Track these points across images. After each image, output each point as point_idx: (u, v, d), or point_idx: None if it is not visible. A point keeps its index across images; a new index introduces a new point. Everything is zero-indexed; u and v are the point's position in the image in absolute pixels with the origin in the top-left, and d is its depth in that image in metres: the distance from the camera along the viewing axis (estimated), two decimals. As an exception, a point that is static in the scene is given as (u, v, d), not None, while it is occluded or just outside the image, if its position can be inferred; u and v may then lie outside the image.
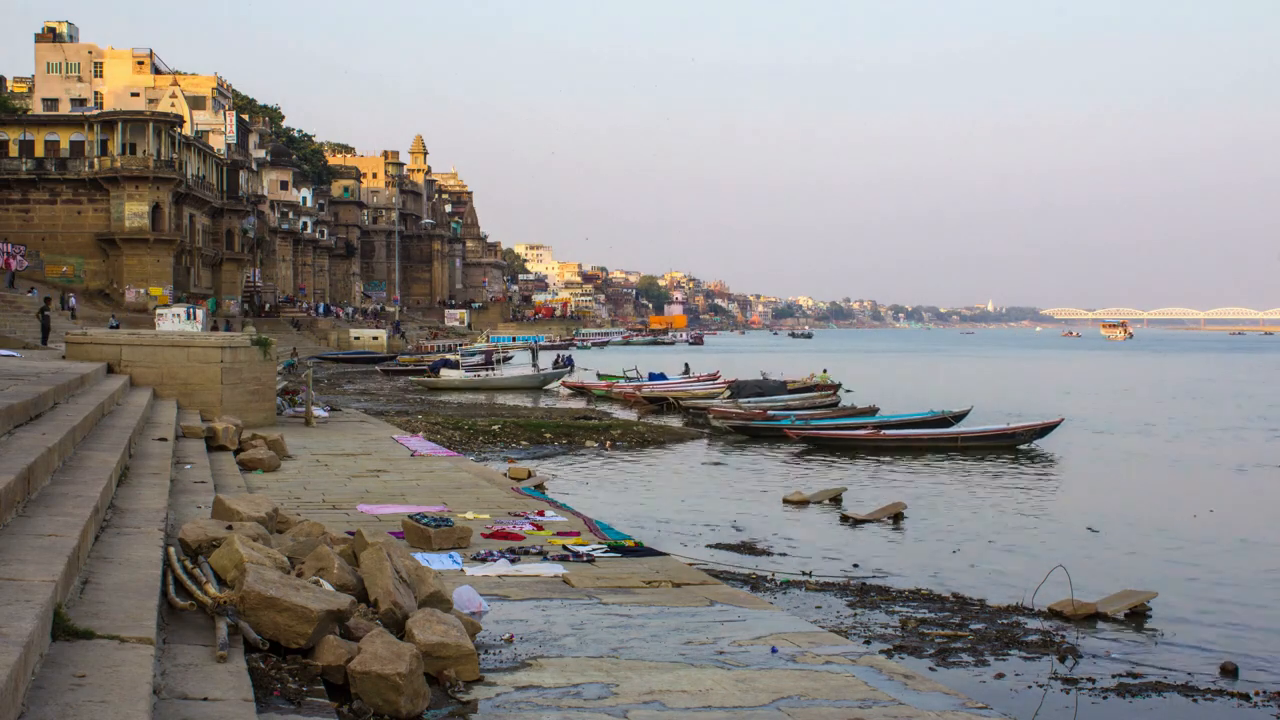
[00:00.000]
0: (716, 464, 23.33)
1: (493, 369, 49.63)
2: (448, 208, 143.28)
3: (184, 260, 63.68)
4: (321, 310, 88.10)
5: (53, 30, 77.18)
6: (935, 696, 6.01)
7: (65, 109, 71.49)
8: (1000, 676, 8.64)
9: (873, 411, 31.16)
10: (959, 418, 28.83)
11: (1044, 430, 26.65)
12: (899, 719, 5.61)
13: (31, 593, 4.22)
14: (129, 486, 8.50)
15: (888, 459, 23.84)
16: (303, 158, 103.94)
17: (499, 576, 8.53)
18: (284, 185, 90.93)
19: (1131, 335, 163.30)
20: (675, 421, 31.86)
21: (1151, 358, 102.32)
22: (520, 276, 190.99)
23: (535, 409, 34.82)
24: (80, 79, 75.85)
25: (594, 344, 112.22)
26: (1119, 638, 10.08)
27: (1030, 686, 8.46)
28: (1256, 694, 8.54)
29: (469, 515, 11.28)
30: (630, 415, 34.04)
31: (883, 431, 26.36)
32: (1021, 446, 25.98)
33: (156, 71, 78.17)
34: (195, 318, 46.84)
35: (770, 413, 30.93)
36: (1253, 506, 19.21)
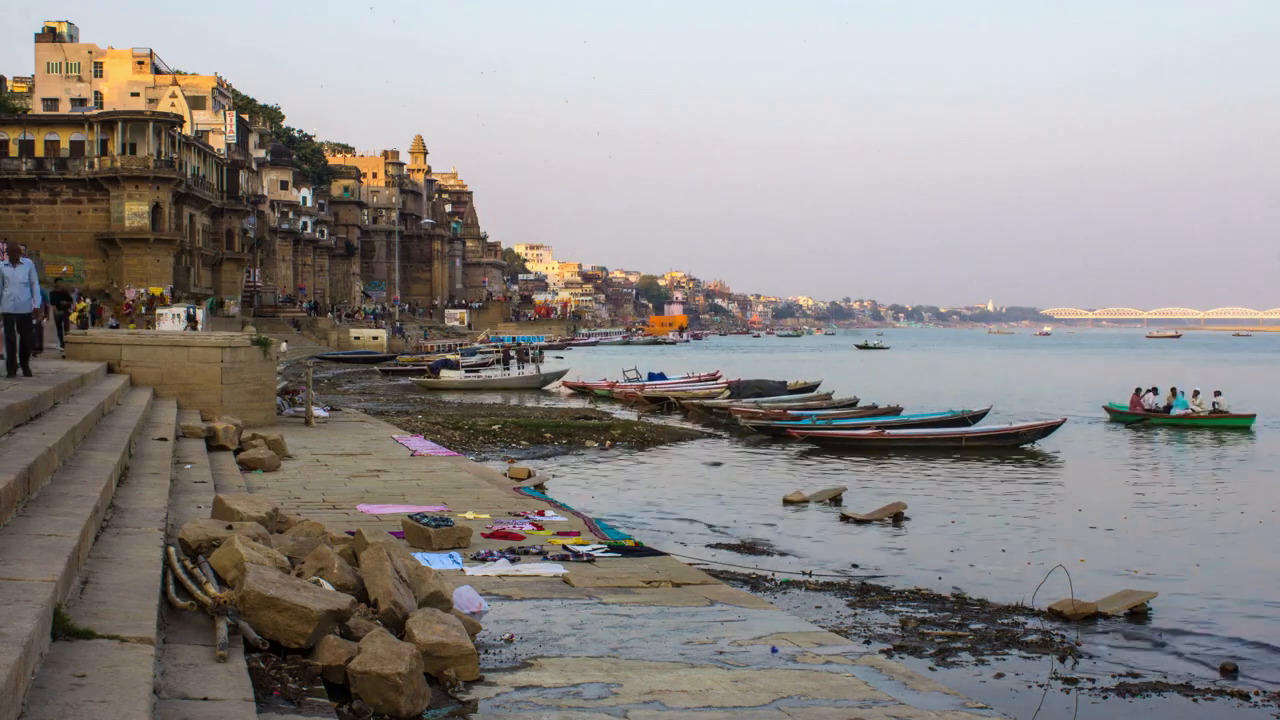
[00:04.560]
0: (716, 464, 23.32)
1: (499, 369, 49.73)
2: (448, 208, 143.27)
3: (184, 260, 63.68)
4: (311, 307, 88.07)
5: (53, 30, 77.18)
6: (935, 696, 6.01)
7: (65, 109, 71.48)
8: (1000, 676, 8.63)
9: (896, 411, 31.06)
10: (977, 418, 28.82)
11: (1047, 430, 26.69)
12: (899, 719, 5.60)
13: (31, 593, 4.22)
14: (129, 486, 8.50)
15: (892, 459, 23.85)
16: (303, 158, 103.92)
17: (499, 576, 8.53)
18: (284, 185, 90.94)
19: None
20: (675, 421, 31.84)
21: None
22: (520, 276, 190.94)
23: (535, 409, 34.81)
24: (80, 79, 75.85)
25: (587, 344, 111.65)
26: (1119, 638, 10.08)
27: (1030, 686, 8.45)
28: (1256, 694, 8.54)
29: (469, 515, 11.28)
30: (631, 415, 34.03)
31: (887, 432, 26.37)
32: (1025, 446, 26.00)
33: (156, 71, 78.18)
34: (195, 318, 46.82)
35: (791, 412, 30.96)
36: (1252, 505, 19.18)
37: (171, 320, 44.58)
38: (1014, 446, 25.82)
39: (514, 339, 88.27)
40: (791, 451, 25.36)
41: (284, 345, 46.36)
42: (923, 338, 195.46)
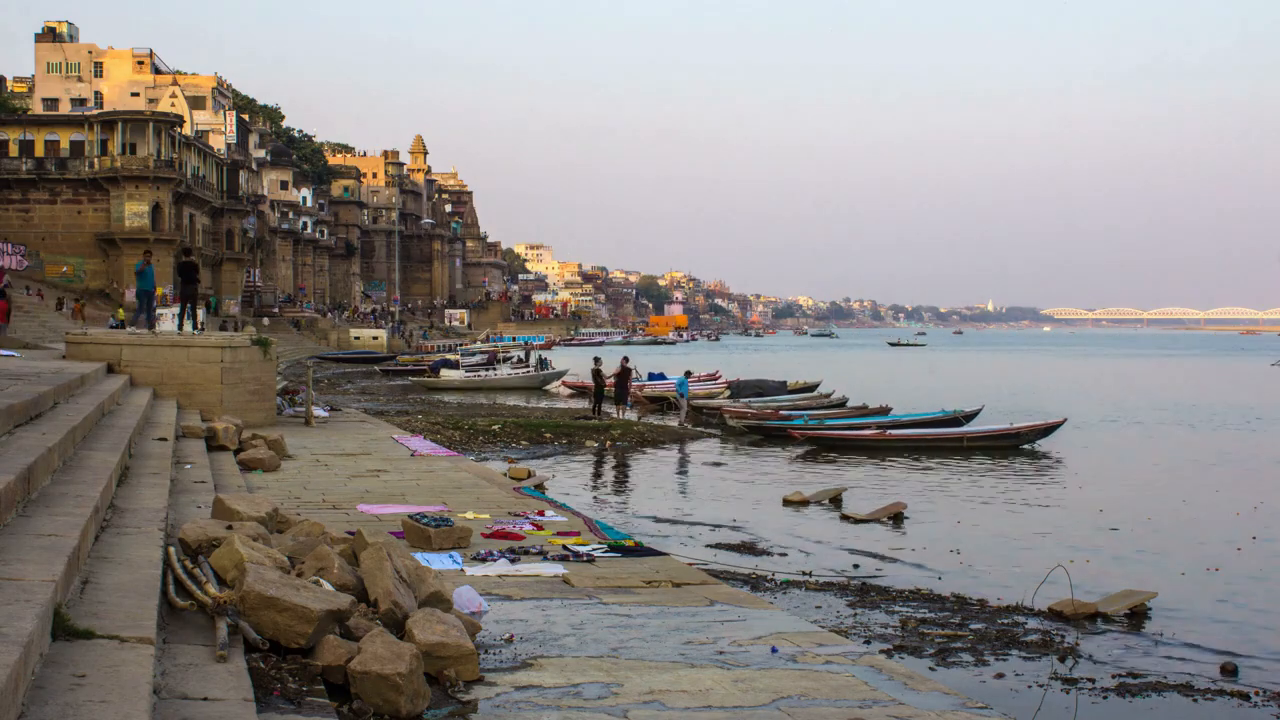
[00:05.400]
0: (716, 464, 23.32)
1: (494, 369, 49.71)
2: (448, 208, 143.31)
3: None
4: (312, 308, 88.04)
5: (53, 30, 77.20)
6: (935, 696, 6.01)
7: (65, 109, 71.51)
8: (1000, 676, 8.64)
9: (885, 411, 31.01)
10: (970, 417, 28.77)
11: (1047, 430, 26.59)
12: (899, 719, 5.60)
13: (31, 593, 4.21)
14: (129, 486, 8.49)
15: (891, 459, 23.82)
16: (303, 158, 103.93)
17: (499, 576, 8.52)
18: (284, 185, 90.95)
19: None
20: (675, 421, 31.80)
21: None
22: (520, 276, 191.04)
23: (535, 409, 34.81)
24: (80, 79, 75.87)
25: (592, 343, 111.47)
26: (1119, 638, 10.08)
27: (1030, 686, 8.45)
28: (1256, 694, 8.54)
29: (469, 515, 11.27)
30: (630, 415, 33.99)
31: (888, 432, 26.33)
32: (1025, 446, 25.94)
33: (156, 71, 78.20)
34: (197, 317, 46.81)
35: (783, 412, 30.91)
36: (1251, 504, 19.18)
37: (171, 320, 44.54)
38: (1014, 447, 25.77)
39: (514, 338, 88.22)
40: (791, 452, 25.34)
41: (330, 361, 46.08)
42: (975, 340, 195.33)
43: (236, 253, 72.70)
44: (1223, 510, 18.48)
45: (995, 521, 16.68)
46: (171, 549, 6.16)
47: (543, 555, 9.44)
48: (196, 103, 76.15)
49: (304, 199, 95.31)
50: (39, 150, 59.11)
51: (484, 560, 9.11)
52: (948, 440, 25.89)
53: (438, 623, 5.89)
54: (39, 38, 76.83)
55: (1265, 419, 36.59)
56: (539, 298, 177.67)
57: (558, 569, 8.83)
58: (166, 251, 59.39)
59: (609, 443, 25.02)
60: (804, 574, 12.06)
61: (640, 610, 7.58)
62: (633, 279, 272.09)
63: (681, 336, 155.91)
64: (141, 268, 23.76)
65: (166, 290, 57.72)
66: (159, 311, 46.15)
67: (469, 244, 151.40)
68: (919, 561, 13.34)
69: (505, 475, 16.87)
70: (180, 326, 23.70)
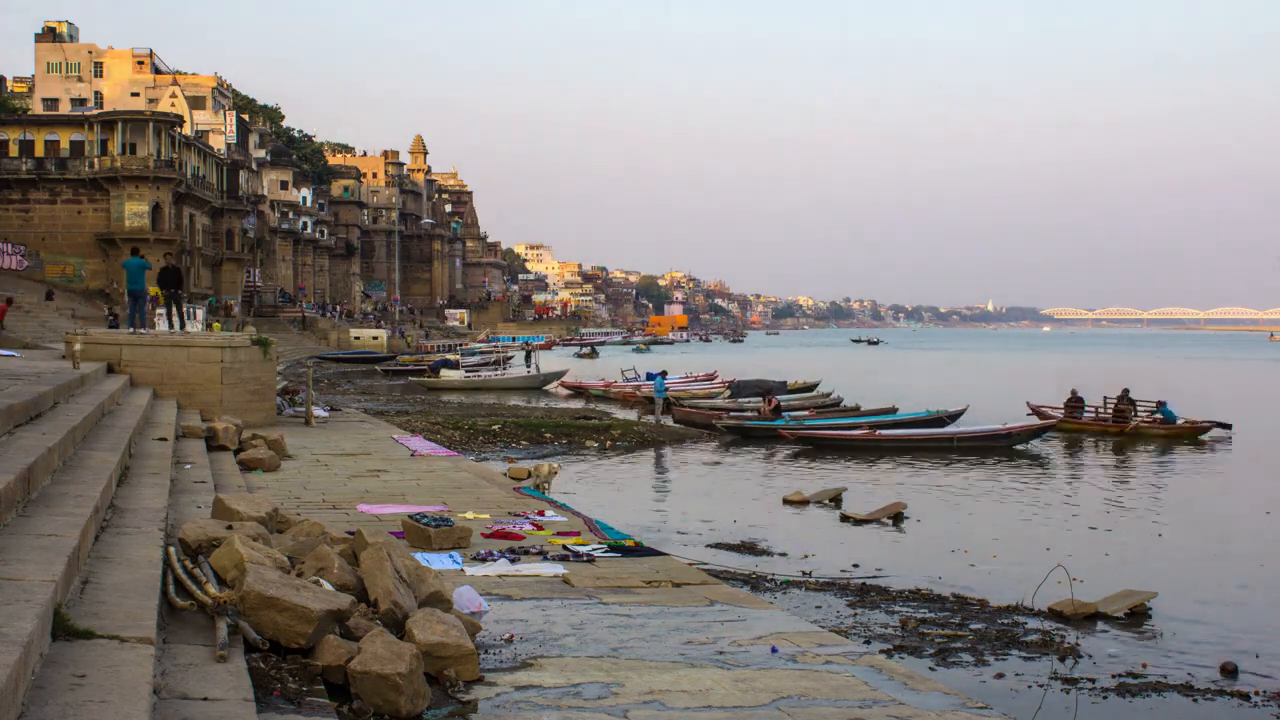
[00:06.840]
0: (716, 464, 23.32)
1: (501, 369, 49.79)
2: (448, 208, 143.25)
3: (184, 260, 63.64)
4: (313, 308, 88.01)
5: (53, 30, 77.17)
6: (935, 696, 6.01)
7: (65, 109, 71.48)
8: (1000, 676, 8.64)
9: (891, 411, 30.95)
10: (954, 417, 28.71)
11: (1040, 431, 26.54)
12: (899, 719, 5.60)
13: (31, 593, 4.21)
14: (129, 486, 8.49)
15: (883, 460, 23.78)
16: (303, 158, 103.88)
17: (499, 576, 8.53)
18: (284, 185, 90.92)
19: None
20: (674, 421, 31.78)
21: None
22: (520, 276, 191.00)
23: (535, 409, 34.80)
24: (80, 79, 75.83)
25: (594, 343, 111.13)
26: (1119, 638, 10.08)
27: (1030, 686, 8.46)
28: (1256, 694, 8.54)
29: (469, 515, 11.27)
30: (630, 415, 34.00)
31: (878, 432, 26.26)
32: (1018, 447, 25.87)
33: (156, 71, 78.16)
34: (195, 317, 46.80)
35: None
36: (1251, 504, 19.18)
37: (161, 320, 44.49)
38: (1006, 447, 25.65)
39: (513, 338, 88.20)
40: (787, 452, 25.32)
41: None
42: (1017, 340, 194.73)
43: (236, 253, 72.67)
44: (1222, 510, 18.47)
45: (994, 521, 16.68)
46: (171, 549, 6.16)
47: (543, 555, 9.44)
48: (196, 103, 76.12)
49: (304, 199, 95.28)
50: (39, 150, 59.08)
51: (484, 560, 9.11)
52: (939, 441, 25.80)
53: (438, 623, 5.89)
54: (39, 38, 76.79)
55: (1266, 418, 36.58)
56: (539, 298, 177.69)
57: (558, 569, 8.83)
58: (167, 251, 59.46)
59: (609, 443, 25.02)
60: (804, 574, 12.06)
61: (640, 610, 7.58)
62: (633, 279, 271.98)
63: (682, 336, 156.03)
64: (138, 267, 23.10)
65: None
66: (159, 311, 46.05)
67: (469, 244, 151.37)
68: (919, 561, 13.35)
69: (505, 475, 16.88)
70: (171, 326, 23.72)
